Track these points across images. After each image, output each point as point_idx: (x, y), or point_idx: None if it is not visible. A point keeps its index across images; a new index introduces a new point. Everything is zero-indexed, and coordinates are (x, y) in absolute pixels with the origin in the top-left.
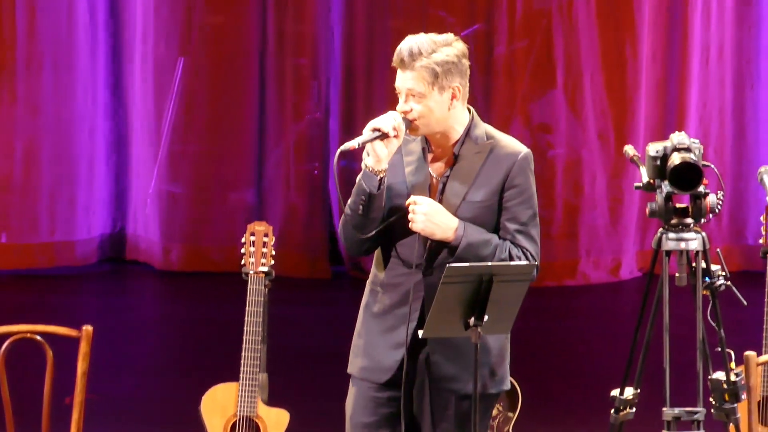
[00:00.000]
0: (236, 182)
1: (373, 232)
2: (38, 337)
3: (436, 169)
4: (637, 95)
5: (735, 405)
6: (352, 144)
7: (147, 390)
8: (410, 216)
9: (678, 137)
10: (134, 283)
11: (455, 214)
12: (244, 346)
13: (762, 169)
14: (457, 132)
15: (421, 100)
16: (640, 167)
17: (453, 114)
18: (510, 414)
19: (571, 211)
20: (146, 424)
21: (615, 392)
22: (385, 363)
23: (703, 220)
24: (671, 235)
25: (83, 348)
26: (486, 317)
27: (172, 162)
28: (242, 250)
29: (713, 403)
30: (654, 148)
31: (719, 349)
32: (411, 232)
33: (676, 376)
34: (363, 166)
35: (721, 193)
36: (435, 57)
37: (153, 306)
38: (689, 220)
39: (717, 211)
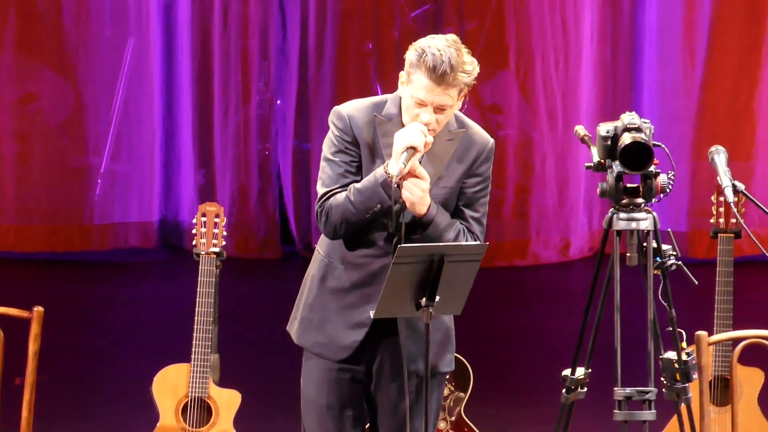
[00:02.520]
0: (187, 163)
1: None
2: None
3: None
4: (581, 75)
5: (686, 385)
6: (400, 169)
7: (98, 371)
8: (407, 186)
9: (629, 117)
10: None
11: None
12: (195, 326)
13: (712, 149)
14: None
15: (444, 112)
16: (591, 147)
17: None
18: (461, 394)
19: (521, 192)
20: (97, 404)
21: (566, 372)
22: (344, 341)
23: (654, 200)
24: (622, 215)
25: (34, 329)
26: (437, 297)
27: (119, 142)
28: (193, 231)
29: (664, 382)
30: (605, 128)
31: (670, 329)
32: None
33: (627, 356)
34: (382, 171)
35: (672, 172)
36: (470, 71)
37: (101, 287)
38: (640, 200)
39: (668, 190)
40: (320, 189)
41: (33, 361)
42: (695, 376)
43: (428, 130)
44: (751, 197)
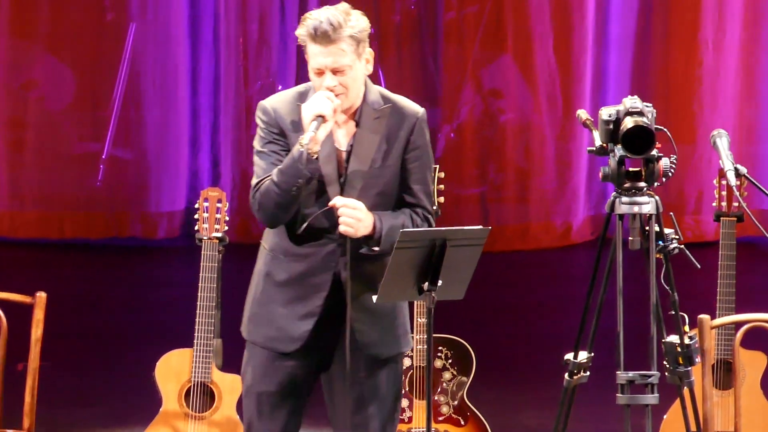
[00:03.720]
0: (188, 149)
1: (294, 210)
2: None
3: (339, 138)
4: (584, 59)
5: (689, 368)
6: (308, 140)
7: (101, 356)
8: (344, 220)
9: (631, 101)
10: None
11: (365, 181)
12: (198, 311)
13: (714, 132)
14: (360, 99)
15: (346, 74)
16: (593, 131)
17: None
18: (464, 378)
19: (521, 176)
20: (100, 390)
21: (569, 356)
22: (293, 333)
23: (656, 184)
24: (624, 199)
25: (37, 314)
26: (440, 282)
27: (121, 128)
28: (195, 216)
29: (667, 366)
30: (607, 112)
31: (673, 313)
32: (319, 203)
33: (629, 340)
34: (299, 147)
35: (674, 156)
36: (353, 25)
37: (103, 273)
38: (642, 184)
39: (670, 174)
40: (253, 180)
41: (36, 346)
42: (698, 359)
43: (335, 95)
44: (753, 180)
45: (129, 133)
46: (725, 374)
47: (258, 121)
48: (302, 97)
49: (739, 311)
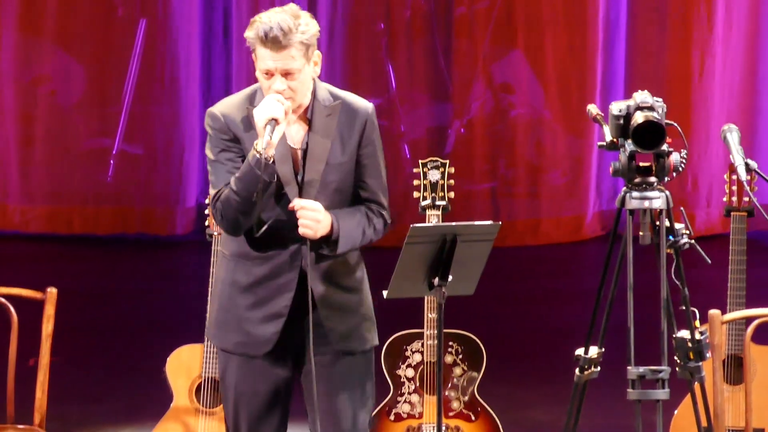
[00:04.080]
0: (200, 144)
1: (256, 215)
2: (2, 299)
3: (293, 138)
4: (596, 54)
5: (700, 363)
6: (265, 145)
7: (112, 352)
8: (303, 222)
9: (641, 96)
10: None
11: (323, 178)
12: (208, 307)
13: (725, 127)
14: (308, 98)
15: (295, 77)
16: (604, 126)
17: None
18: (474, 374)
19: (532, 171)
20: (111, 385)
21: (579, 351)
22: (262, 336)
23: (666, 179)
24: (635, 194)
25: (48, 310)
26: (450, 277)
27: (132, 123)
28: (206, 212)
29: (678, 361)
30: (617, 107)
31: (683, 308)
32: (283, 204)
33: (640, 335)
34: (255, 153)
35: (685, 151)
36: (304, 30)
37: (116, 269)
38: (653, 179)
39: (681, 169)
40: (211, 191)
41: (47, 342)
42: (708, 354)
43: (284, 98)
44: (764, 175)
45: (139, 129)
46: (736, 369)
47: (208, 128)
48: (251, 99)
49: (749, 306)
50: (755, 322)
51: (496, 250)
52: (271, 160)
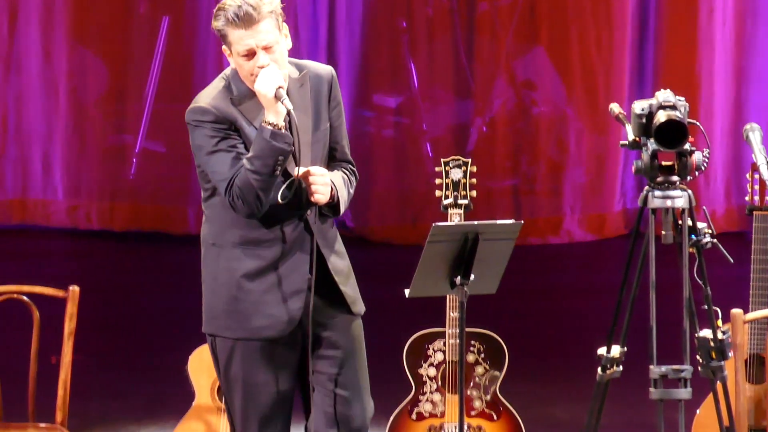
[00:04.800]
0: None
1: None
2: (25, 298)
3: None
4: (624, 53)
5: (722, 363)
6: (291, 107)
7: (134, 350)
8: (316, 188)
9: (663, 95)
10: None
11: (312, 147)
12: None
13: (747, 126)
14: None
15: (274, 50)
16: (626, 125)
17: None
18: (496, 373)
19: (555, 169)
20: (133, 383)
21: (601, 351)
22: (284, 316)
23: (689, 178)
24: (657, 192)
25: (70, 308)
26: (472, 276)
27: (155, 121)
28: None
29: (700, 360)
30: (639, 106)
31: (706, 307)
32: (277, 182)
33: (662, 334)
34: (265, 127)
35: (707, 150)
36: (272, 2)
37: (137, 267)
38: (675, 178)
39: (703, 168)
40: (220, 180)
41: (69, 340)
42: (731, 354)
43: None
44: None
45: (162, 127)
46: (758, 368)
47: (198, 123)
48: (227, 91)
49: None
50: None
51: (518, 248)
52: (282, 128)
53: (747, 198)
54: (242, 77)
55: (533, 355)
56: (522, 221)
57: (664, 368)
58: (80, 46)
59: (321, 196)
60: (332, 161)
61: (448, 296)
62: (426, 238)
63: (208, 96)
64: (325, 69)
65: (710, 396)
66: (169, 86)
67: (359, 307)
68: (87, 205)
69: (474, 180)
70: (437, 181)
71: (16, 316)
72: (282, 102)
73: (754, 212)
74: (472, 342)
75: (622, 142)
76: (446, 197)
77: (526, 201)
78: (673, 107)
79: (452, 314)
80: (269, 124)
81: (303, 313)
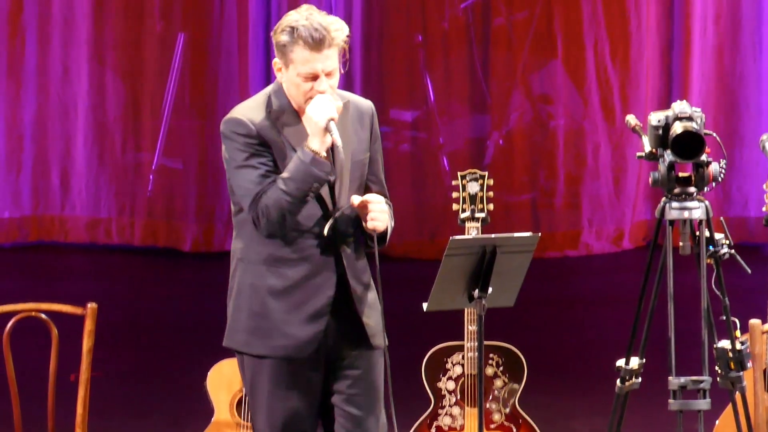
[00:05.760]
0: None
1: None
2: (43, 315)
3: None
4: (641, 65)
5: (741, 373)
6: (340, 143)
7: (153, 366)
8: (374, 216)
9: (680, 106)
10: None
11: (351, 175)
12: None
13: (764, 137)
14: None
15: (333, 76)
16: (642, 137)
17: None
18: (515, 386)
19: (572, 182)
20: (152, 400)
21: (620, 362)
22: (306, 337)
23: (706, 189)
24: (674, 204)
25: (88, 325)
26: (490, 289)
27: (171, 137)
28: None
29: (719, 371)
30: (656, 118)
31: (724, 318)
32: (310, 204)
33: (681, 346)
34: (307, 151)
35: (724, 161)
36: (341, 28)
37: (156, 284)
38: (692, 189)
39: (720, 179)
40: (245, 195)
41: (87, 357)
42: (749, 364)
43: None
44: None
45: (178, 144)
46: None
47: (231, 135)
48: (267, 105)
49: None
50: None
51: (537, 261)
52: (325, 158)
53: (764, 209)
54: (291, 94)
55: (552, 368)
56: (539, 234)
57: (683, 379)
58: (98, 63)
59: (379, 224)
60: (367, 192)
61: (466, 310)
62: (444, 251)
63: (246, 108)
64: (366, 103)
65: (729, 407)
66: (185, 103)
67: (378, 340)
68: (106, 222)
69: (491, 193)
70: (454, 194)
71: (35, 333)
72: (331, 135)
73: None
74: (491, 355)
75: (638, 153)
76: (463, 211)
77: (545, 215)
78: (690, 118)
79: (470, 327)
80: (311, 150)
81: (324, 335)
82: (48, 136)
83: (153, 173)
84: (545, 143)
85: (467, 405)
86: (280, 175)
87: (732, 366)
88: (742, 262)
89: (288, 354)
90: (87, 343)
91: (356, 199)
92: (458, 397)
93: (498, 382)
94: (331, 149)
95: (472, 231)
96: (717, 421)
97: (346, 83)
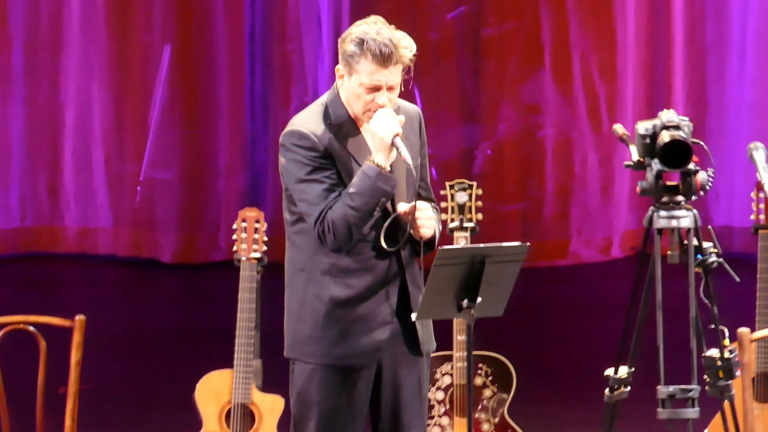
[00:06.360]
0: (227, 169)
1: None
2: (31, 328)
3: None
4: (627, 75)
5: (729, 382)
6: (409, 161)
7: (141, 378)
8: (423, 223)
9: (667, 115)
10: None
11: (407, 182)
12: (237, 332)
13: (751, 145)
14: None
15: (394, 91)
16: (630, 146)
17: None
18: (504, 395)
19: (561, 191)
20: (141, 412)
21: (609, 371)
22: (370, 346)
23: (694, 198)
24: (662, 213)
25: (76, 338)
26: (479, 299)
27: (160, 148)
28: (234, 237)
29: (707, 380)
30: (643, 127)
31: (713, 327)
32: (380, 213)
33: (670, 354)
34: (373, 166)
35: (712, 170)
36: (409, 47)
37: (144, 295)
38: (680, 198)
39: (708, 188)
40: (310, 211)
41: (75, 369)
42: (738, 373)
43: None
44: None
45: (166, 155)
46: (766, 387)
47: (294, 148)
48: (325, 116)
49: None
50: None
51: (526, 270)
52: (389, 171)
53: (752, 217)
54: (350, 102)
55: (541, 378)
56: (528, 243)
57: (672, 388)
58: (85, 75)
59: (427, 230)
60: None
61: (455, 319)
62: (433, 261)
63: (305, 120)
64: (414, 108)
65: (718, 415)
66: (172, 114)
67: (428, 346)
68: (93, 232)
69: (480, 203)
70: (443, 204)
71: (23, 346)
72: (398, 151)
73: (760, 231)
74: (480, 365)
75: (626, 162)
76: (452, 220)
77: (534, 224)
78: (677, 127)
79: (459, 337)
80: (377, 164)
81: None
82: (36, 148)
83: (141, 184)
84: (534, 153)
85: (456, 415)
86: (345, 190)
87: (721, 375)
88: (731, 271)
89: (353, 363)
90: (75, 355)
91: (403, 207)
92: (447, 407)
93: (487, 392)
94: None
95: (461, 241)
96: (706, 430)
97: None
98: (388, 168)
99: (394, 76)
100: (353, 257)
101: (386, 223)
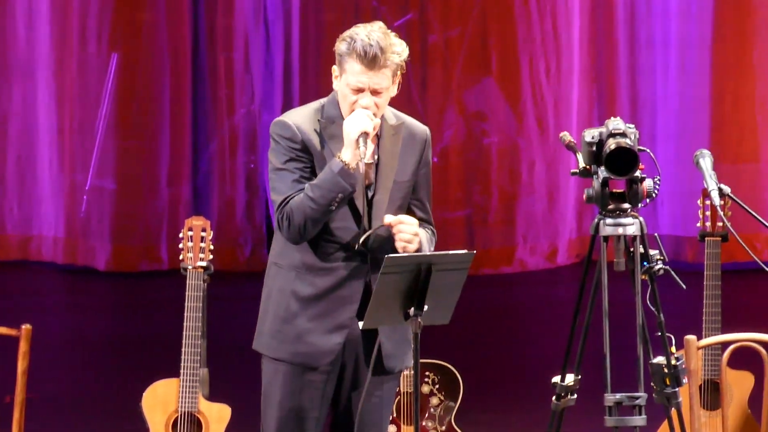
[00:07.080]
0: (171, 178)
1: (322, 224)
2: None
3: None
4: (573, 82)
5: (676, 389)
6: (363, 156)
7: (87, 387)
8: (404, 237)
9: (614, 123)
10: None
11: (390, 194)
12: (184, 341)
13: (697, 153)
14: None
15: (381, 95)
16: (577, 153)
17: None
18: (451, 403)
19: (507, 198)
20: (87, 421)
21: (556, 379)
22: (325, 347)
23: (640, 205)
24: (609, 220)
25: (23, 347)
26: (426, 306)
27: (105, 158)
28: (180, 246)
29: (654, 387)
30: (590, 134)
31: (659, 334)
32: (346, 216)
33: (616, 362)
34: (337, 161)
35: (658, 177)
36: (399, 52)
37: (90, 304)
38: (626, 205)
39: (654, 195)
40: (276, 197)
41: (22, 379)
42: (685, 380)
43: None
44: (737, 200)
45: (112, 164)
46: (713, 394)
47: (276, 137)
48: (318, 112)
49: (725, 331)
50: (731, 347)
51: (472, 278)
52: (353, 170)
53: (698, 224)
54: (340, 98)
55: (488, 385)
56: (474, 251)
57: (618, 395)
58: (31, 81)
59: (408, 244)
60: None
61: None
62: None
63: (296, 113)
64: (421, 128)
65: (665, 423)
66: (118, 123)
67: (393, 363)
68: (37, 239)
69: None
70: None
71: None
72: (359, 147)
73: (706, 238)
74: (427, 373)
75: (573, 170)
76: None
77: (479, 231)
78: (624, 135)
79: None
80: (342, 160)
81: (343, 348)
82: None
83: (86, 193)
84: (479, 160)
85: (403, 423)
86: (310, 182)
87: (667, 382)
88: (677, 278)
89: (305, 361)
90: (22, 364)
91: (388, 218)
92: (394, 415)
93: (434, 400)
94: (376, 166)
95: None
96: None
97: (283, 104)
98: (354, 165)
99: (379, 79)
100: (322, 257)
101: (363, 237)
